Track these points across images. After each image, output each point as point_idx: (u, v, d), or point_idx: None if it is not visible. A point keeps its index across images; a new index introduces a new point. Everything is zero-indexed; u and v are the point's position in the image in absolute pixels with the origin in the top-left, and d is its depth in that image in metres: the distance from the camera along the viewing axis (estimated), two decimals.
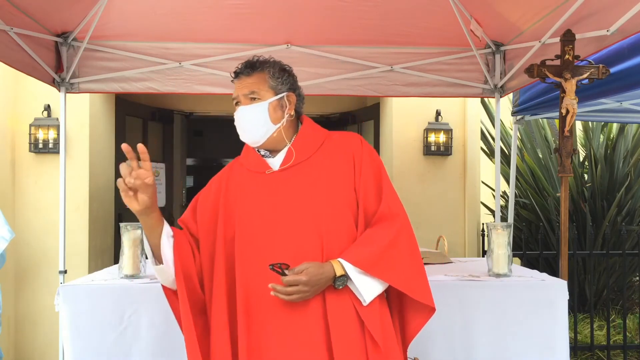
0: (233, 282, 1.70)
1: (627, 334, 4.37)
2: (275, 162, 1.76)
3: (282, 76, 1.78)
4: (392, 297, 1.78)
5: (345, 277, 1.64)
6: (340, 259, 1.65)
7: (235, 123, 1.76)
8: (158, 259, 1.67)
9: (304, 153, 1.75)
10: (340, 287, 1.64)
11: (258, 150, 1.79)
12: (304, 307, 1.63)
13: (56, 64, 3.28)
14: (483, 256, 4.43)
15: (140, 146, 1.51)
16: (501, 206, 4.57)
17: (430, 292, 1.74)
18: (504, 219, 4.73)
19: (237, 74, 1.78)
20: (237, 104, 1.77)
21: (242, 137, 1.78)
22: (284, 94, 1.77)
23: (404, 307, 1.78)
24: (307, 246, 1.66)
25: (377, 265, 1.65)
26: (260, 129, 1.73)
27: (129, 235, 2.48)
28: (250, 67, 1.77)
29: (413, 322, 1.78)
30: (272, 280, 1.60)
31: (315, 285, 1.60)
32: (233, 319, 1.69)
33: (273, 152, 1.77)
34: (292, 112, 1.78)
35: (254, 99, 1.74)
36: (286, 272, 1.59)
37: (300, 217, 1.68)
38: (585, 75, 2.70)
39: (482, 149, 5.47)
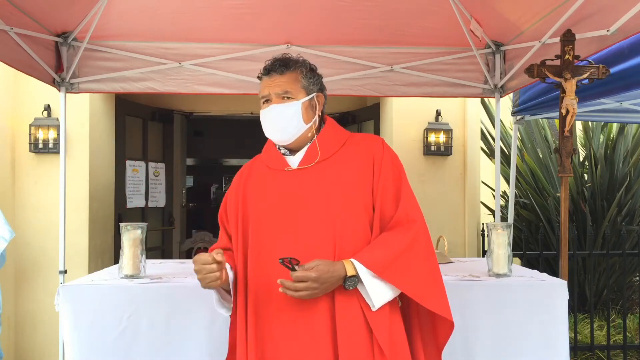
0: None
1: (627, 334, 4.37)
2: (294, 161, 1.76)
3: (313, 76, 1.79)
4: (411, 310, 1.76)
5: (357, 278, 1.61)
6: (352, 260, 1.62)
7: (265, 121, 1.75)
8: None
9: (324, 153, 1.74)
10: (350, 288, 1.61)
11: (279, 148, 1.79)
12: (311, 307, 1.62)
13: (56, 63, 3.28)
14: (483, 256, 4.42)
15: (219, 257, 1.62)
16: (501, 206, 4.57)
17: (448, 304, 1.69)
18: (504, 219, 4.73)
19: (269, 71, 1.75)
20: (266, 101, 1.75)
21: (271, 136, 1.77)
22: (314, 94, 1.78)
23: (423, 321, 1.75)
24: (320, 246, 1.64)
25: (390, 270, 1.61)
26: (293, 129, 1.73)
27: (129, 235, 2.48)
28: (284, 65, 1.75)
29: (436, 337, 1.75)
30: (281, 277, 1.59)
31: (325, 283, 1.57)
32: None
33: (293, 150, 1.77)
34: (320, 113, 1.79)
35: (288, 97, 1.73)
36: (296, 267, 1.57)
37: (315, 216, 1.66)
38: (585, 75, 2.70)
39: (482, 149, 5.47)
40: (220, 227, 1.88)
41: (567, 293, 2.45)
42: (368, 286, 1.61)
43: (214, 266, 1.60)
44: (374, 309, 1.62)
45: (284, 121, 1.73)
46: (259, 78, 1.81)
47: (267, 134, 1.78)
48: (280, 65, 1.75)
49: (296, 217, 1.67)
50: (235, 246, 1.76)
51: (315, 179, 1.71)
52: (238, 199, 1.79)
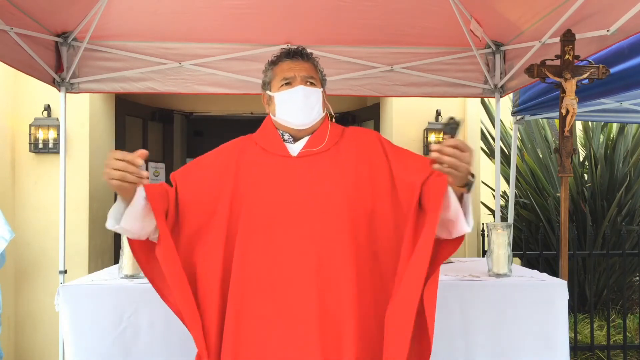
0: (230, 259, 1.65)
1: (627, 334, 4.37)
2: (295, 148, 1.75)
3: (322, 72, 1.86)
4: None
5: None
6: None
7: (287, 101, 1.75)
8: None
9: (329, 142, 1.76)
10: (468, 191, 1.52)
11: (282, 134, 1.77)
12: (299, 298, 1.58)
13: (56, 63, 3.28)
14: (483, 256, 4.42)
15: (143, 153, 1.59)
16: (501, 206, 4.57)
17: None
18: (504, 219, 4.73)
19: (294, 55, 1.79)
20: (287, 84, 1.76)
21: (293, 117, 1.74)
22: (324, 88, 1.84)
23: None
24: (338, 231, 1.62)
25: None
26: (315, 113, 1.76)
27: None
28: (306, 54, 1.81)
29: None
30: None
31: (469, 162, 1.47)
32: (223, 302, 1.64)
33: (296, 138, 1.77)
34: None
35: (312, 83, 1.77)
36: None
37: (330, 202, 1.64)
38: (585, 75, 2.70)
39: (482, 149, 5.47)
40: (173, 184, 1.77)
41: (567, 293, 2.45)
42: (467, 200, 1.54)
43: (124, 164, 1.53)
44: (468, 228, 1.55)
45: (310, 103, 1.75)
46: (273, 63, 1.82)
47: (287, 115, 1.75)
48: (302, 53, 1.81)
49: (298, 205, 1.64)
50: (214, 228, 1.67)
51: (318, 168, 1.70)
52: (228, 176, 1.71)
